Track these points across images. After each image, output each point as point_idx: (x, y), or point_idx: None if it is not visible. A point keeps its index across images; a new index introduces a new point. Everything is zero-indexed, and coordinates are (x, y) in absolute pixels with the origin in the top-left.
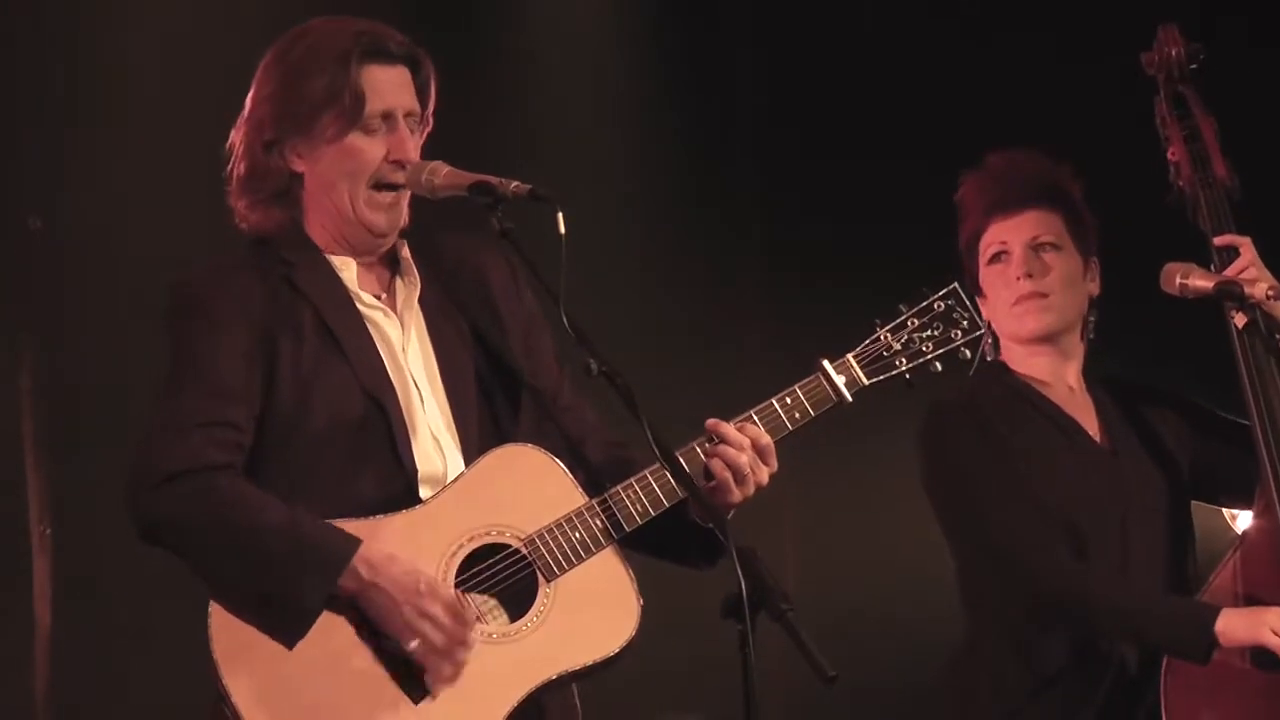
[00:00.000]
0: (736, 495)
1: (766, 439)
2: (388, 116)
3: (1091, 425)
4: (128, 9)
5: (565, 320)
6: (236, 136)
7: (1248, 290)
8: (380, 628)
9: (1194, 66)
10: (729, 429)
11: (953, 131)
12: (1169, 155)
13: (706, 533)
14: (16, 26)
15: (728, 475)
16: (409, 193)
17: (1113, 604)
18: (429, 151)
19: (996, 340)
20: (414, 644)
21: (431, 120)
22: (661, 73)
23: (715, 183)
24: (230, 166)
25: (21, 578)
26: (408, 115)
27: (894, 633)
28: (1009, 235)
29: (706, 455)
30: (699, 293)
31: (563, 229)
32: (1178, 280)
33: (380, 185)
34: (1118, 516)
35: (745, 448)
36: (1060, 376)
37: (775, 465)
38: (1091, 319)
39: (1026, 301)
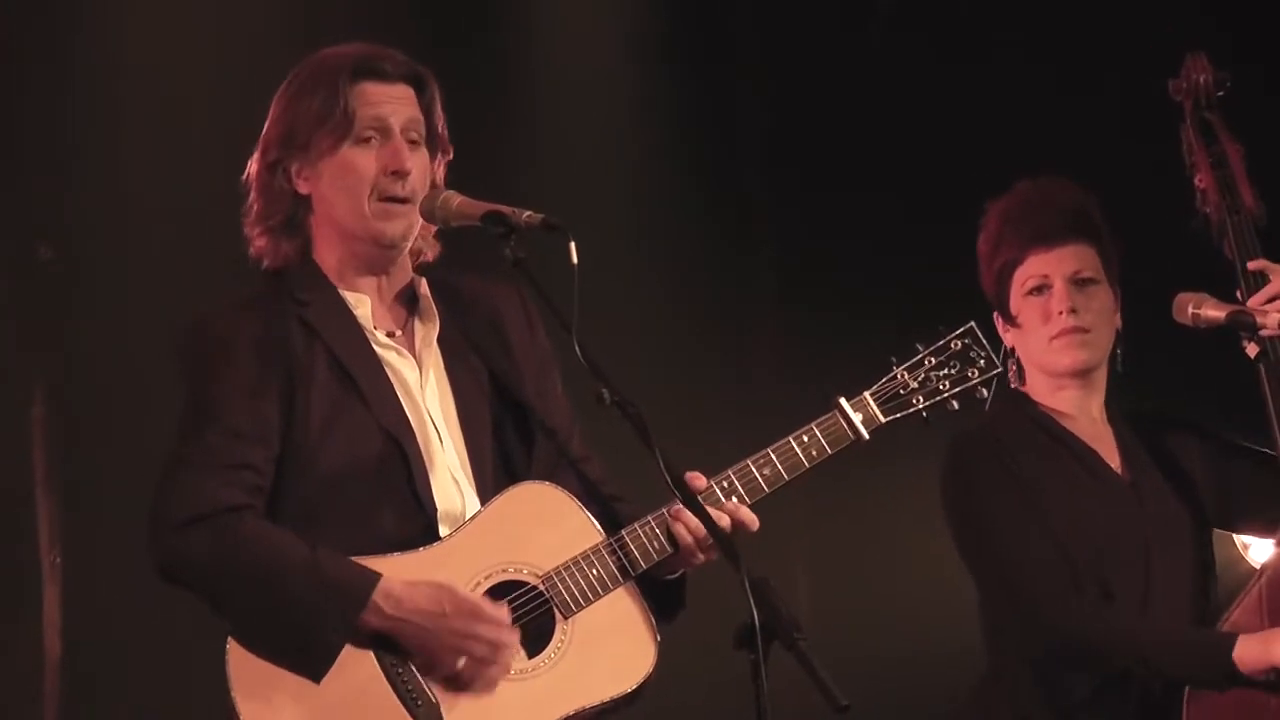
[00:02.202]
0: (698, 559)
1: (735, 509)
2: (382, 129)
3: (1113, 457)
4: (138, 42)
5: (578, 349)
6: (251, 168)
7: (1259, 320)
8: (421, 658)
9: (1220, 94)
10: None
11: (964, 161)
12: (1196, 182)
13: (665, 588)
14: (27, 59)
15: (690, 541)
16: (417, 206)
17: (1128, 644)
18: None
19: (1021, 369)
20: (461, 663)
21: (450, 147)
22: (669, 104)
23: (725, 214)
24: (249, 198)
25: (32, 606)
26: (406, 128)
27: (908, 662)
28: (1050, 268)
29: (670, 518)
30: (708, 323)
31: (575, 258)
32: (1190, 310)
33: (384, 199)
34: (1140, 549)
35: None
36: (1084, 409)
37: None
38: (1119, 350)
39: (1068, 336)
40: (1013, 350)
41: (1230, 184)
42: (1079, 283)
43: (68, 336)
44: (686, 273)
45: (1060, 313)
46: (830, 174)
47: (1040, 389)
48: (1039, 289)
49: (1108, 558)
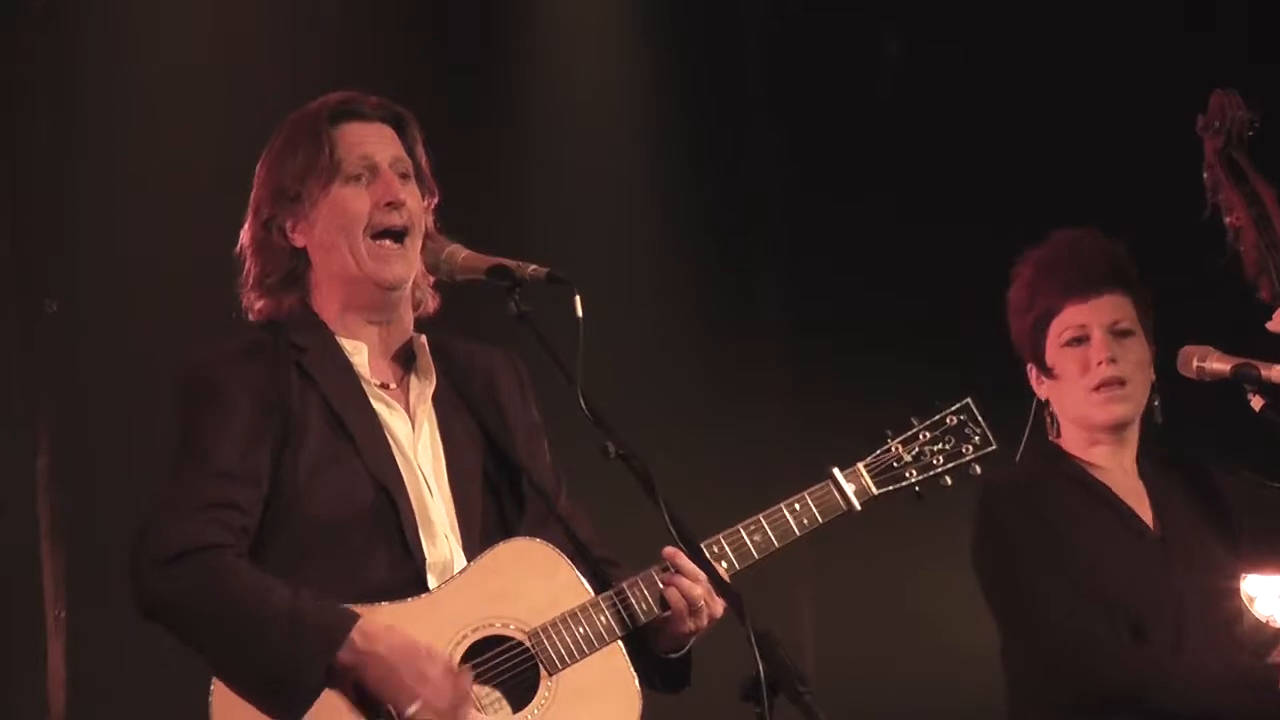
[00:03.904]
0: (689, 626)
1: (723, 572)
2: (370, 166)
3: (1144, 510)
4: (145, 96)
5: (582, 403)
6: (244, 237)
7: (1264, 373)
8: (379, 695)
9: (1250, 133)
10: (686, 561)
11: (977, 218)
12: (1229, 220)
13: (671, 664)
14: (36, 114)
15: (683, 605)
16: (416, 246)
17: (1181, 690)
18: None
19: (1056, 421)
20: (414, 707)
21: (437, 189)
22: (678, 161)
23: (732, 269)
24: (245, 269)
25: (36, 661)
26: (394, 163)
27: (916, 715)
28: (1088, 318)
29: (663, 584)
30: (714, 378)
31: (579, 311)
32: (1194, 363)
33: (380, 234)
34: (1170, 604)
35: (700, 579)
36: (1118, 462)
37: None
38: (1157, 403)
39: (1108, 389)
40: (1047, 402)
41: (1267, 221)
42: (1117, 334)
43: (73, 389)
44: (693, 329)
45: (1099, 363)
46: (841, 230)
47: (1075, 442)
48: (1077, 340)
49: (1139, 613)
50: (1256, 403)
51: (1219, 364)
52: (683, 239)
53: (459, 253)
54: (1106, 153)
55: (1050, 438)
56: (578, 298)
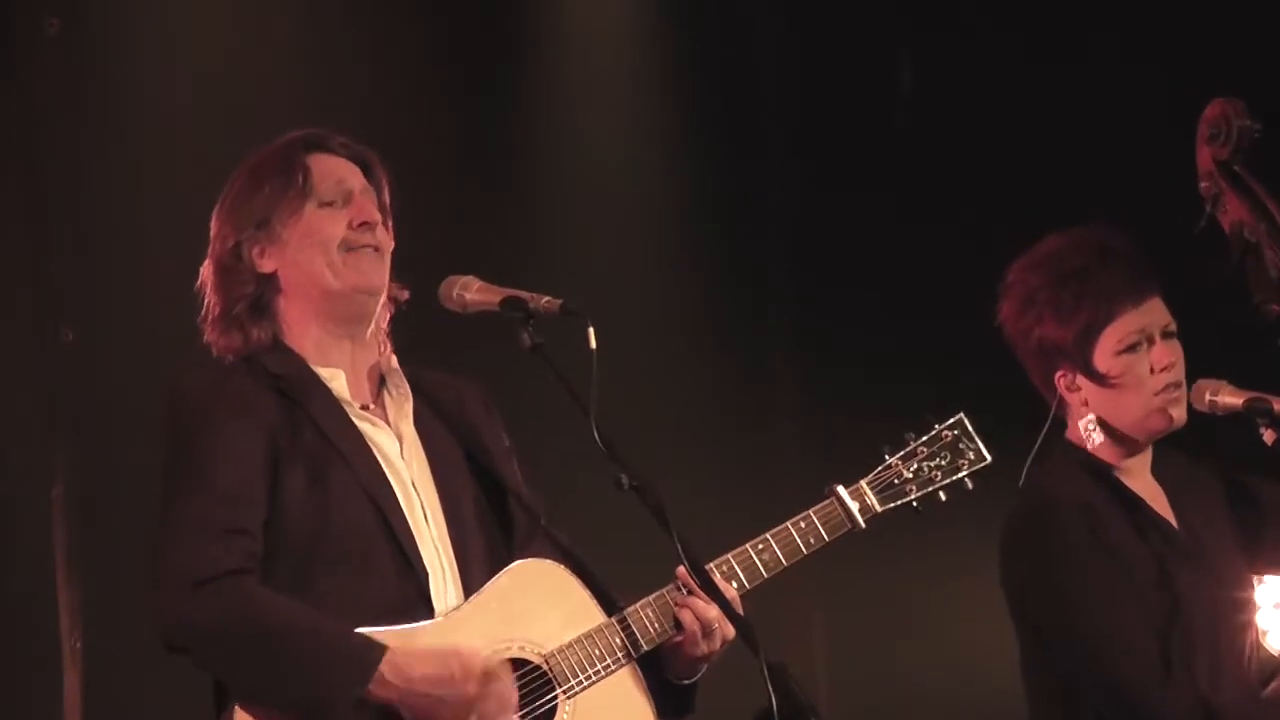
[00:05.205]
0: (703, 648)
1: (733, 593)
2: (344, 192)
3: (1170, 518)
4: (160, 119)
5: (596, 434)
6: (205, 271)
7: (1278, 407)
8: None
9: (1248, 145)
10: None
11: (992, 234)
12: (1244, 233)
13: (678, 690)
14: (49, 138)
15: (696, 628)
16: (387, 263)
17: None
18: (473, 241)
19: (1096, 428)
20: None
21: (392, 226)
22: (696, 192)
23: (748, 280)
24: (205, 306)
25: (52, 691)
26: (364, 192)
27: None
28: (1146, 322)
29: (676, 605)
30: (727, 398)
31: (593, 343)
32: (1207, 397)
33: (353, 249)
34: (1209, 616)
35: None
36: (1144, 470)
37: (742, 617)
38: None
39: (1175, 391)
40: (1063, 407)
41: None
42: (1168, 336)
43: (88, 418)
44: (704, 350)
45: (1164, 368)
46: (854, 251)
47: (1112, 451)
48: (1133, 346)
49: (1190, 629)
50: (1269, 437)
51: (1231, 398)
52: (693, 259)
53: (473, 283)
54: (1125, 174)
55: (1088, 447)
56: (591, 330)
